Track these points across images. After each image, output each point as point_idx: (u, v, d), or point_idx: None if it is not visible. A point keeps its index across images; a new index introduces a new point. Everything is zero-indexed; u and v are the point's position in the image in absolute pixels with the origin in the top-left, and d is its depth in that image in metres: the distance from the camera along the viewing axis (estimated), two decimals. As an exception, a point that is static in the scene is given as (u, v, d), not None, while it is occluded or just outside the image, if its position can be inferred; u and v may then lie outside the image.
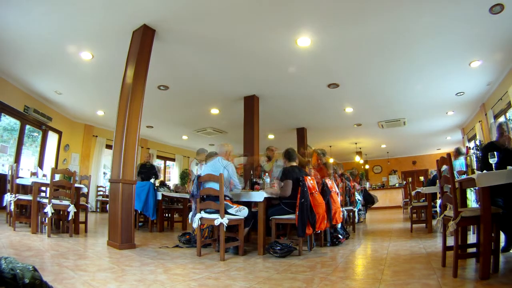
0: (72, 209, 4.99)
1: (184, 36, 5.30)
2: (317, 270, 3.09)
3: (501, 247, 3.05)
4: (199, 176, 4.11)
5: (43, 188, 5.64)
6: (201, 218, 3.95)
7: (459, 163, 5.95)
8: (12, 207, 5.09)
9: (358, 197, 7.98)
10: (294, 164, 4.49)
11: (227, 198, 4.01)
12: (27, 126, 8.47)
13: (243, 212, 4.04)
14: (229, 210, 3.90)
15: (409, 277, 2.65)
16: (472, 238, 4.30)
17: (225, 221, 3.72)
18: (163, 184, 7.77)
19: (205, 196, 4.11)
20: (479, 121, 9.04)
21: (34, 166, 8.65)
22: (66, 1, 4.46)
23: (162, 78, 7.04)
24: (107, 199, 8.86)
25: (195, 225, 3.95)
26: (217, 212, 3.83)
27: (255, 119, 7.93)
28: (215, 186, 3.92)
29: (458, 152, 6.11)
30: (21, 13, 4.75)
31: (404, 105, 8.91)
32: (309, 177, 4.27)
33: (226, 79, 7.15)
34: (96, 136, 11.40)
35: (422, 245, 4.30)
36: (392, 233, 5.97)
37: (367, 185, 15.12)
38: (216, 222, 3.72)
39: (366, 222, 8.83)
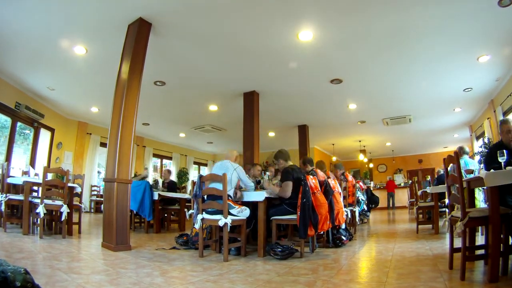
0: (65, 209, 4.99)
1: (181, 30, 5.29)
2: (319, 273, 3.09)
3: None
4: (202, 176, 4.14)
5: (35, 188, 5.63)
6: (202, 219, 3.97)
7: (463, 162, 5.98)
8: (3, 207, 5.08)
9: (361, 197, 7.98)
10: (291, 163, 4.50)
11: (229, 198, 4.02)
12: (19, 123, 8.45)
13: (245, 212, 4.07)
14: (232, 211, 3.92)
15: (415, 280, 2.65)
16: (480, 239, 4.30)
17: (229, 221, 3.75)
18: (162, 183, 7.77)
19: (205, 197, 4.14)
20: (488, 118, 9.03)
21: (26, 164, 8.65)
22: (59, -7, 4.45)
23: (159, 73, 7.02)
24: (102, 199, 8.88)
25: (197, 225, 3.98)
26: (219, 212, 3.86)
27: (255, 116, 7.92)
28: (218, 186, 3.95)
29: (461, 151, 6.12)
30: (12, 6, 4.72)
31: (409, 101, 8.90)
32: (311, 176, 4.27)
33: (225, 75, 7.13)
34: (90, 134, 11.38)
35: (429, 247, 4.30)
36: (397, 234, 5.98)
37: (372, 184, 15.12)
38: (220, 223, 3.74)
39: (370, 223, 8.84)
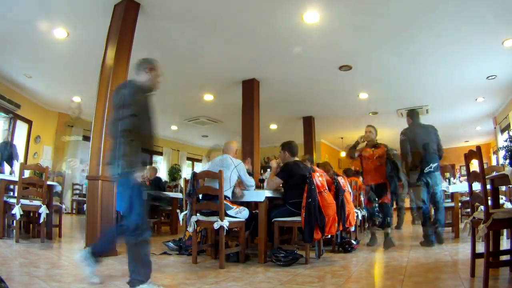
0: (44, 210, 4.98)
1: (173, 10, 5.25)
2: (326, 281, 3.09)
3: None
4: (195, 174, 4.11)
5: (11, 186, 5.62)
6: (197, 221, 3.95)
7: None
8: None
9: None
10: (297, 158, 4.48)
11: (227, 198, 4.00)
12: (-8, 115, 8.45)
13: (244, 213, 4.06)
14: (229, 212, 3.91)
15: (432, 289, 2.65)
16: (505, 244, 4.30)
17: (225, 223, 3.73)
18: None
19: (200, 197, 4.11)
20: (514, 109, 9.01)
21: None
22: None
23: (148, 59, 6.97)
24: (85, 198, 8.88)
25: (191, 228, 3.96)
26: (215, 214, 3.83)
27: (255, 107, 7.90)
28: (214, 184, 3.92)
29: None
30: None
31: (426, 90, 8.87)
32: (317, 174, 4.25)
33: (221, 61, 7.10)
34: (72, 126, 11.36)
35: (448, 252, 4.30)
36: (412, 237, 5.98)
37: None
38: (216, 225, 3.72)
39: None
